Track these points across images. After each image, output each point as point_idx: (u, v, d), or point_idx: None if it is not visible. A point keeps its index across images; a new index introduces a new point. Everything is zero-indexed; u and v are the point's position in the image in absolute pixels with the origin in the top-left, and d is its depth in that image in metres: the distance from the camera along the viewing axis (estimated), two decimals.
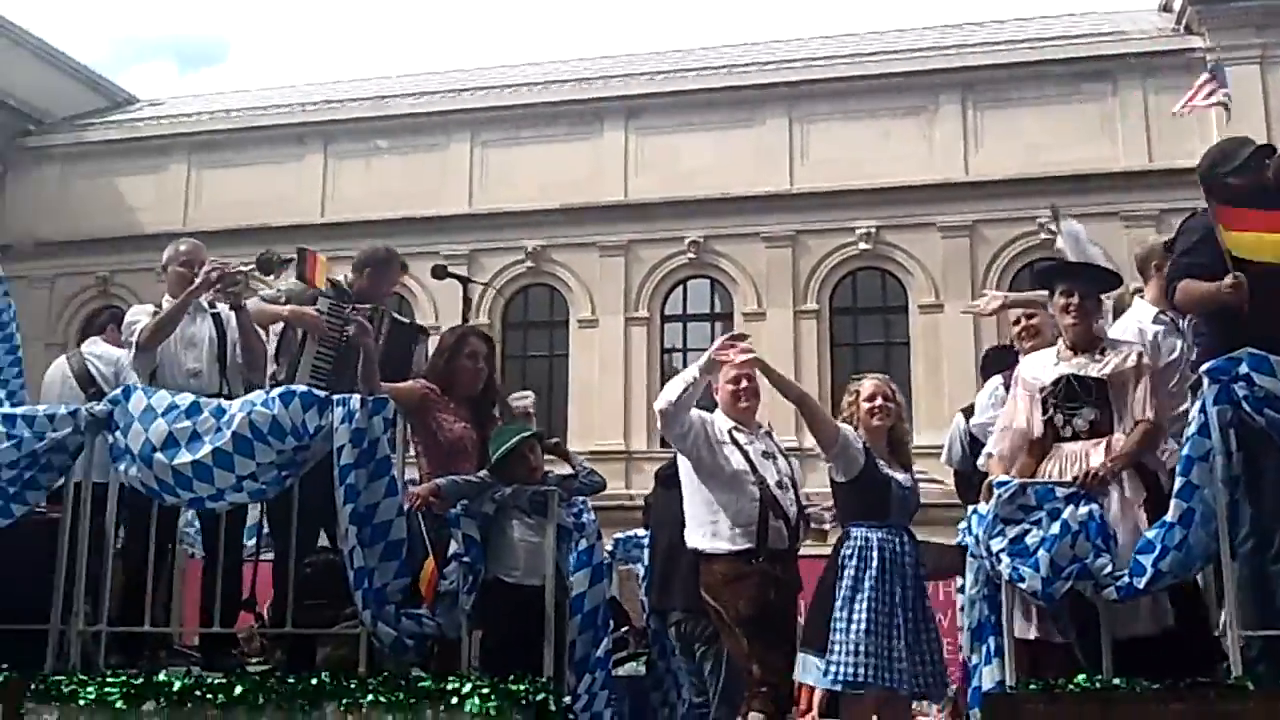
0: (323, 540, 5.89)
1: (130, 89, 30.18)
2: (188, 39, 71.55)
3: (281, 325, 6.27)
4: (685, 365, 23.99)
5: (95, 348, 6.74)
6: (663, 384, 22.37)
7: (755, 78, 24.41)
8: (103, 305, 25.59)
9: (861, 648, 5.25)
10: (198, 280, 5.95)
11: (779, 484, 5.70)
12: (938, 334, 22.45)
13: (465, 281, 6.81)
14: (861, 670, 5.23)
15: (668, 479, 6.63)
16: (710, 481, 5.67)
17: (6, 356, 7.94)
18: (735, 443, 5.73)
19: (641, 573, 7.37)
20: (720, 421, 5.81)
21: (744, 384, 5.86)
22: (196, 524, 6.54)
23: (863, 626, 5.28)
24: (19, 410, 5.48)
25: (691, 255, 23.67)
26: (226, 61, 70.70)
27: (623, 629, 7.20)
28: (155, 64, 70.00)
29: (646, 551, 7.11)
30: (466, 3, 65.09)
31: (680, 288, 24.18)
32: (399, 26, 65.38)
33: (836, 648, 5.29)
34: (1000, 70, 23.21)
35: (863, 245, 23.05)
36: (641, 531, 7.55)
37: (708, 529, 5.63)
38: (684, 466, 5.77)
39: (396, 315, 6.49)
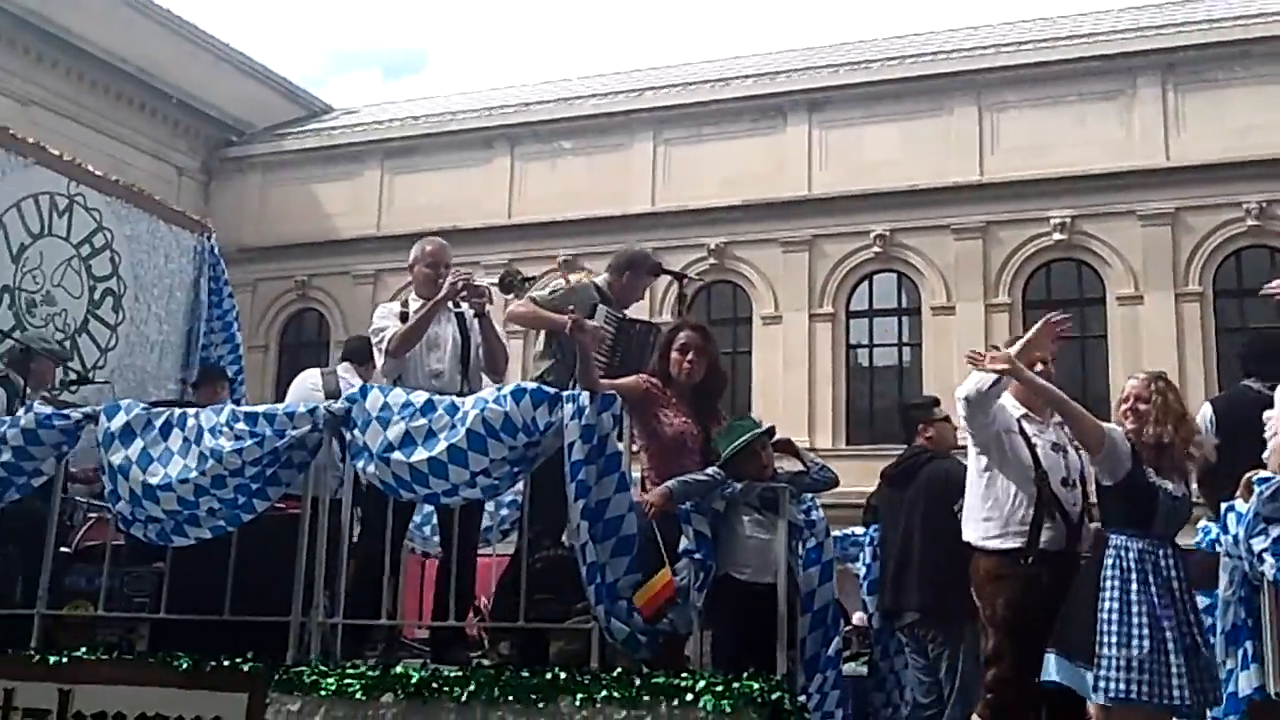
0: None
1: (338, 98, 31.44)
2: (391, 50, 76.02)
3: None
4: (871, 362, 24.08)
5: (350, 375, 7.02)
6: (849, 381, 22.14)
7: (941, 66, 23.90)
8: (301, 308, 26.69)
9: (1135, 664, 4.94)
10: (443, 291, 6.04)
11: (1064, 481, 5.38)
12: (1137, 327, 21.61)
13: (681, 277, 6.70)
14: (1135, 687, 4.91)
15: (896, 479, 6.44)
16: (992, 472, 5.40)
17: (230, 355, 8.33)
18: (1022, 432, 5.43)
19: (862, 571, 7.22)
20: (1009, 408, 5.49)
21: (1039, 368, 5.48)
22: (416, 519, 6.66)
23: (1134, 642, 4.96)
24: (260, 409, 5.64)
25: (877, 249, 23.32)
26: (427, 70, 75.10)
27: (845, 628, 7.07)
28: (361, 74, 74.42)
29: (867, 550, 6.95)
30: (648, 2, 66.05)
31: (866, 282, 23.84)
32: (586, 29, 67.07)
33: (1105, 662, 4.98)
34: (1204, 50, 22.19)
35: (1057, 235, 22.38)
36: (859, 530, 7.39)
37: (981, 523, 5.39)
38: (972, 456, 5.52)
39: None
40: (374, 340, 6.30)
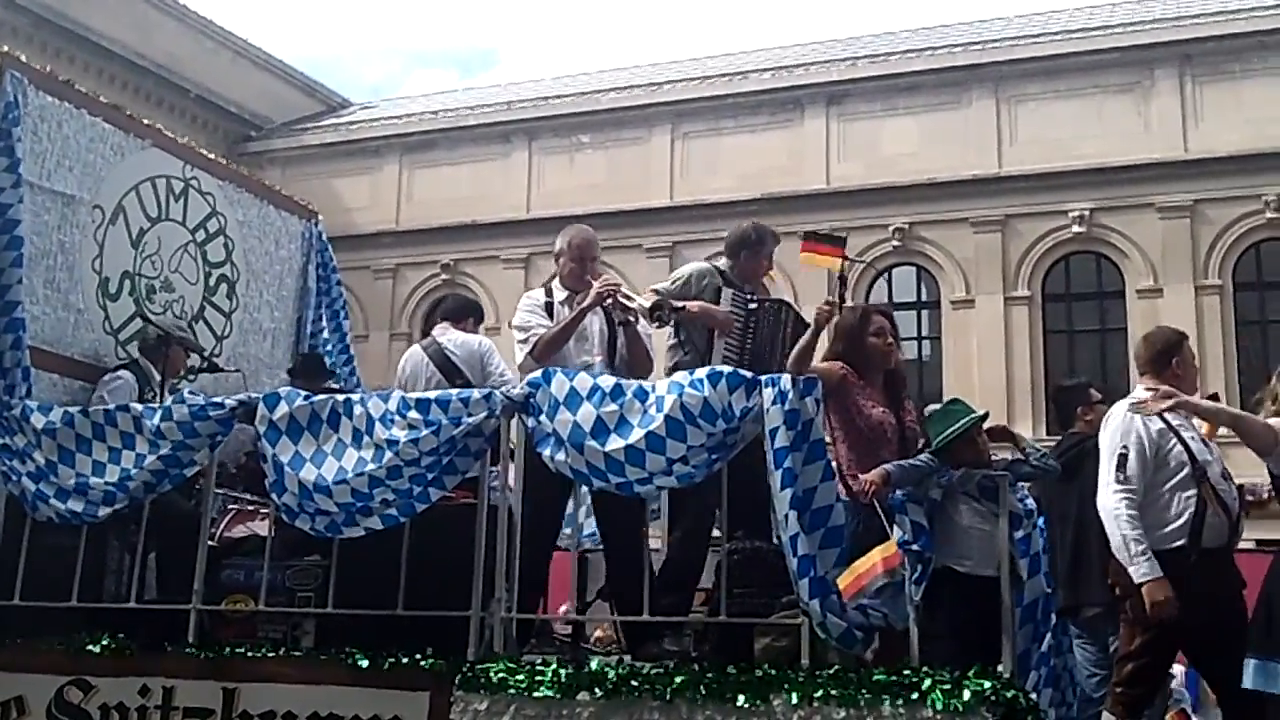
0: None
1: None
2: (464, 50, 78.75)
3: None
4: None
5: (447, 334, 6.71)
6: None
7: (960, 59, 23.82)
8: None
9: None
10: (588, 300, 5.89)
11: (1223, 474, 5.20)
12: (1157, 320, 21.40)
13: (843, 258, 6.50)
14: None
15: (1063, 470, 6.22)
16: (1146, 471, 5.18)
17: (338, 343, 8.13)
18: (1172, 428, 5.23)
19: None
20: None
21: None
22: None
23: None
24: (432, 395, 5.41)
25: (896, 243, 23.21)
26: (498, 68, 77.63)
27: None
28: (438, 72, 77.76)
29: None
30: None
31: (885, 275, 23.70)
32: (634, 24, 68.70)
33: None
34: (1221, 41, 22.16)
35: (1076, 229, 22.34)
36: None
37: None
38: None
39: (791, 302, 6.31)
40: (518, 337, 6.10)
